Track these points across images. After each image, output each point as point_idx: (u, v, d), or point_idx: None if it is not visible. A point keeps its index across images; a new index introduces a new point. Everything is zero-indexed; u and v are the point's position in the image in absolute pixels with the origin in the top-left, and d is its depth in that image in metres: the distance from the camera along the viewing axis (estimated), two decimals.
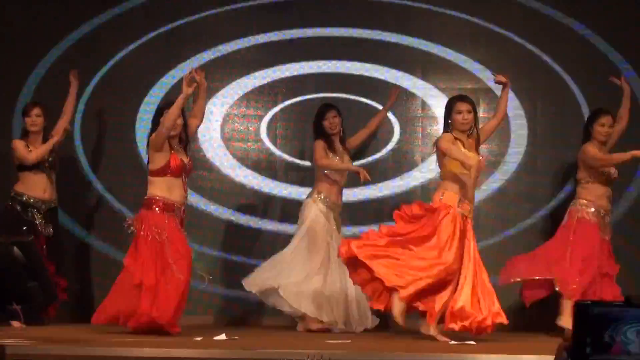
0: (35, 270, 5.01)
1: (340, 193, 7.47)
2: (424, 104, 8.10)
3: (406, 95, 8.11)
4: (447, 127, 6.57)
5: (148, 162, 6.71)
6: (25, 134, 7.38)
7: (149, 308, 6.34)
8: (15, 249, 5.02)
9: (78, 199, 8.08)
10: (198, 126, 7.15)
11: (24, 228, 7.05)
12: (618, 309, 1.54)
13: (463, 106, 6.54)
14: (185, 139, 6.78)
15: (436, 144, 6.58)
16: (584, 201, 7.13)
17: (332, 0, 8.27)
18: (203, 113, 7.11)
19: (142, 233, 6.56)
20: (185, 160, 6.71)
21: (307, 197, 7.43)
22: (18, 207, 7.20)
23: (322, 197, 7.33)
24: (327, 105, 7.54)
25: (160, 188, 6.60)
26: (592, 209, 7.10)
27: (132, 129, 8.13)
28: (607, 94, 7.57)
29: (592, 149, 7.11)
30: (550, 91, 8.10)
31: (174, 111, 6.41)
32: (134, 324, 6.39)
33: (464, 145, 6.48)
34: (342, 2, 8.23)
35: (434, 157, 7.01)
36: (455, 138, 6.48)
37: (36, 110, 7.34)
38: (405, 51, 8.15)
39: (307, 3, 8.24)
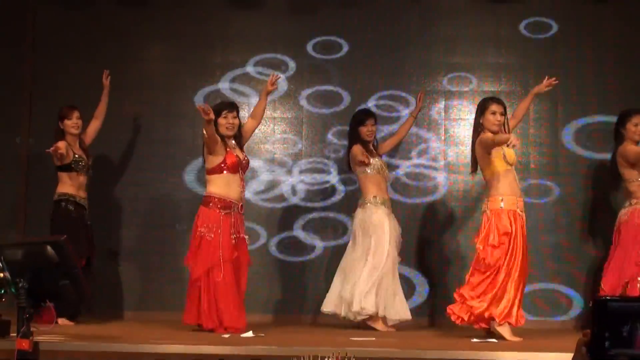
0: (67, 269, 4.99)
1: (387, 187, 7.46)
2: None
3: (430, 98, 8.11)
4: (479, 127, 6.56)
5: (204, 162, 6.82)
6: (62, 136, 7.44)
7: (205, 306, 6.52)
8: (49, 248, 5.00)
9: (108, 195, 8.17)
10: (255, 127, 7.17)
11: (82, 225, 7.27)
12: (636, 304, 1.51)
13: (497, 107, 6.55)
14: (239, 137, 6.85)
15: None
16: None
17: (354, 11, 8.26)
18: (262, 115, 7.13)
19: (198, 230, 6.66)
20: (241, 156, 6.77)
21: (363, 203, 7.31)
22: (70, 207, 7.33)
23: (377, 199, 7.29)
24: (366, 113, 7.52)
25: (218, 185, 6.69)
26: None
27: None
28: None
29: (634, 147, 6.96)
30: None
31: (206, 131, 6.53)
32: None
33: None
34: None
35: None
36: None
37: (77, 114, 7.42)
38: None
39: (326, 15, 8.25)
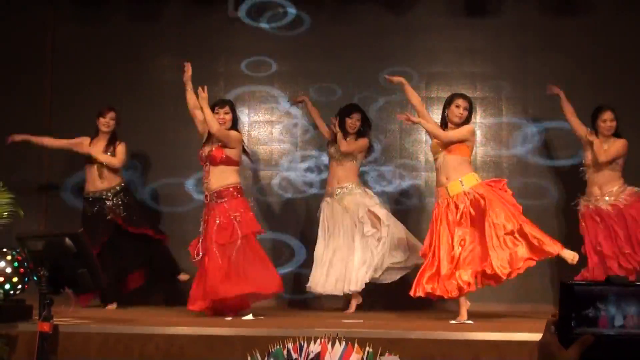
0: (84, 258, 4.96)
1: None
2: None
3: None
4: (445, 119, 6.53)
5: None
6: (96, 133, 7.41)
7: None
8: (67, 239, 4.97)
9: None
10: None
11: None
12: (599, 287, 1.50)
13: (462, 102, 6.51)
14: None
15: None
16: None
17: (344, 27, 8.23)
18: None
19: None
20: (205, 151, 6.70)
21: (358, 190, 7.20)
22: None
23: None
24: (353, 106, 7.41)
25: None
26: None
27: None
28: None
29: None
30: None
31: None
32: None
33: None
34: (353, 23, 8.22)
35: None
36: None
37: (111, 114, 7.37)
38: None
39: (319, 30, 8.21)
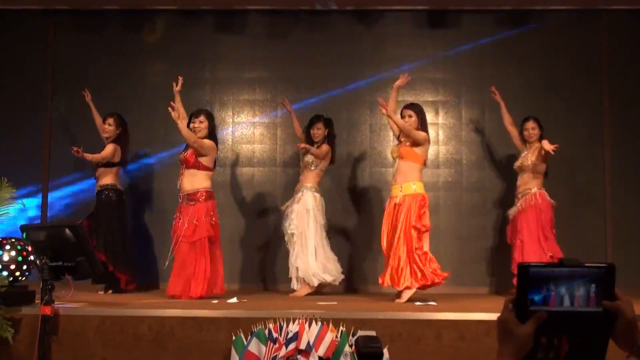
0: (83, 248, 4.93)
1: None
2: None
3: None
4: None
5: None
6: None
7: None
8: (67, 230, 4.94)
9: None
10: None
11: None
12: (552, 269, 1.52)
13: (405, 112, 6.52)
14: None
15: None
16: None
17: (319, 36, 8.22)
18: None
19: None
20: (182, 155, 6.69)
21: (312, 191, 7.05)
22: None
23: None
24: (316, 117, 7.23)
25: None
26: None
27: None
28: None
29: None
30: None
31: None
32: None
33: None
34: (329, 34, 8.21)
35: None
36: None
37: (110, 120, 7.22)
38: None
39: (296, 39, 8.19)
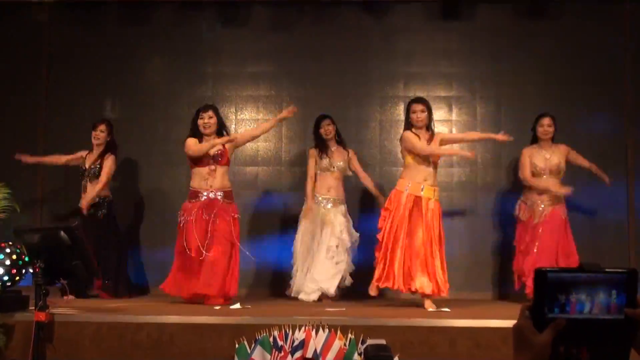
0: (78, 251, 4.94)
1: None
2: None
3: (391, 103, 8.10)
4: (407, 124, 6.48)
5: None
6: (91, 146, 7.32)
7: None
8: (62, 233, 4.95)
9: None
10: (247, 141, 7.10)
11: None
12: (572, 274, 1.50)
13: (416, 106, 6.45)
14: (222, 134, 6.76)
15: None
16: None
17: (326, 29, 8.20)
18: (260, 135, 7.16)
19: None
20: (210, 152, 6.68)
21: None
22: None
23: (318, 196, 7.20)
24: (322, 116, 7.36)
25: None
26: None
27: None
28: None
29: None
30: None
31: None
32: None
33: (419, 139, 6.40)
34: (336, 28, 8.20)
35: None
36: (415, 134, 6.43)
37: (101, 127, 7.25)
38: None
39: (301, 32, 8.17)
